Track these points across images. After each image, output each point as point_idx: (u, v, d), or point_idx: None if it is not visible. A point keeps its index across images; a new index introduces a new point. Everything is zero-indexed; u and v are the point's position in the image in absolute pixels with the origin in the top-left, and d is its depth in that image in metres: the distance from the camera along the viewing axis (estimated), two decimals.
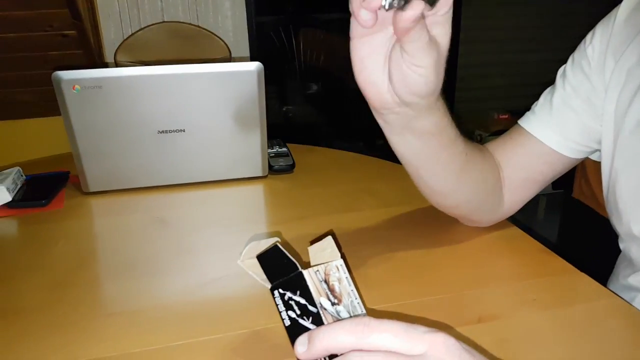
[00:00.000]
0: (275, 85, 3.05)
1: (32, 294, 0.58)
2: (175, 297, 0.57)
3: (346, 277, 0.38)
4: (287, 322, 0.37)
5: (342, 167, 0.99)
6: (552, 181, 0.69)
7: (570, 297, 0.56)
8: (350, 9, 0.42)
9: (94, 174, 0.83)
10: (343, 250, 0.64)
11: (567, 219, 1.87)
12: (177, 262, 0.65)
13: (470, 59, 2.56)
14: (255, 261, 0.42)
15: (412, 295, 0.56)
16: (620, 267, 0.69)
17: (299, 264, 0.38)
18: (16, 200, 0.80)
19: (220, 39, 2.03)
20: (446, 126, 0.55)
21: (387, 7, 0.39)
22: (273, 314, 0.53)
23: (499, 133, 0.71)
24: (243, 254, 0.43)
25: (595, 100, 0.63)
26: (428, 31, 0.43)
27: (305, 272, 0.38)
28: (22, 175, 0.86)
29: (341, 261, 0.39)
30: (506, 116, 2.51)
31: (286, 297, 0.38)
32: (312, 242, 0.41)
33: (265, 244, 0.42)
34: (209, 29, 2.09)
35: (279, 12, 2.96)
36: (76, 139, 0.79)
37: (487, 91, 2.73)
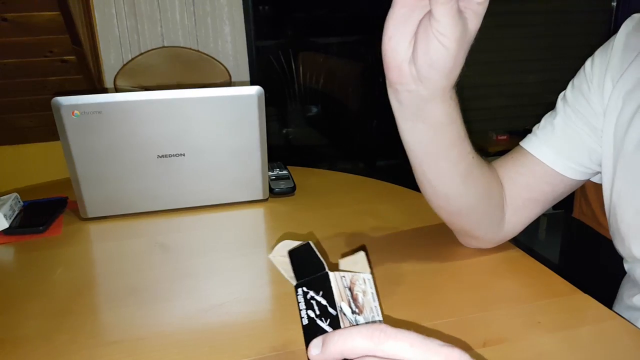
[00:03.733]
0: (276, 108, 3.06)
1: (30, 323, 0.56)
2: (177, 324, 0.56)
3: (372, 292, 0.38)
4: (305, 321, 0.37)
5: (343, 189, 0.99)
6: (554, 203, 0.69)
7: (576, 319, 0.55)
8: None
9: (93, 200, 0.82)
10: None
11: (568, 239, 1.86)
12: (178, 288, 0.63)
13: (469, 81, 2.58)
14: (285, 259, 0.41)
15: (417, 320, 0.55)
16: (625, 287, 0.68)
17: (328, 266, 0.38)
18: (13, 227, 0.79)
19: (221, 63, 2.05)
20: (456, 120, 0.56)
21: None
22: (276, 342, 0.52)
23: (498, 154, 0.72)
24: (275, 249, 0.42)
25: (596, 123, 0.63)
26: (459, 8, 0.46)
27: (331, 274, 0.37)
28: (19, 202, 0.86)
29: (370, 276, 0.38)
30: (505, 137, 2.52)
31: (308, 296, 0.37)
32: (344, 255, 0.41)
33: (297, 244, 0.42)
34: (209, 53, 2.10)
35: (279, 36, 2.99)
36: (75, 164, 0.79)
37: (486, 112, 2.75)
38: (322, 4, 2.96)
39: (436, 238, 0.73)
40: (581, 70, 0.66)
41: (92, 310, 0.60)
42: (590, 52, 0.67)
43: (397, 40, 0.50)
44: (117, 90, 1.98)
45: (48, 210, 0.85)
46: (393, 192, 0.95)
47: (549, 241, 2.30)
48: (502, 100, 2.78)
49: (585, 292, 0.60)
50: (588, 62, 0.65)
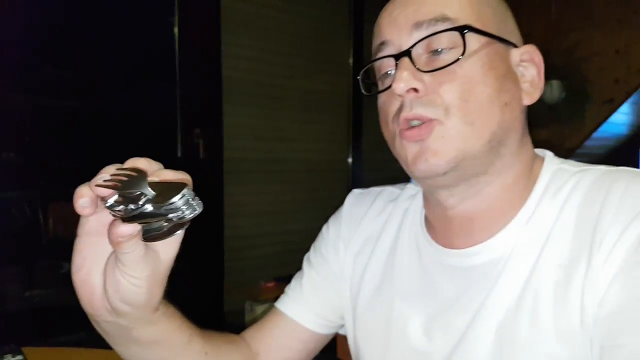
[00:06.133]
0: (17, 268, 2.64)
1: None
2: None
3: None
4: None
5: None
6: (309, 359, 0.73)
7: None
8: (75, 195, 0.42)
9: None
10: None
11: None
12: None
13: (236, 232, 2.68)
14: None
15: None
16: None
17: None
18: None
19: None
20: (173, 333, 0.54)
21: (107, 205, 0.41)
22: None
23: (267, 301, 0.77)
24: None
25: (335, 282, 0.71)
26: (148, 246, 0.43)
27: None
28: None
29: None
30: (272, 284, 2.59)
31: None
32: None
33: None
34: None
35: (26, 186, 2.69)
36: None
37: (254, 261, 2.84)
38: (77, 155, 2.79)
39: None
40: (320, 235, 0.75)
41: None
42: (334, 208, 0.77)
43: (86, 272, 0.46)
44: None
45: None
46: None
47: None
48: (269, 248, 2.94)
49: None
50: (325, 228, 0.75)
